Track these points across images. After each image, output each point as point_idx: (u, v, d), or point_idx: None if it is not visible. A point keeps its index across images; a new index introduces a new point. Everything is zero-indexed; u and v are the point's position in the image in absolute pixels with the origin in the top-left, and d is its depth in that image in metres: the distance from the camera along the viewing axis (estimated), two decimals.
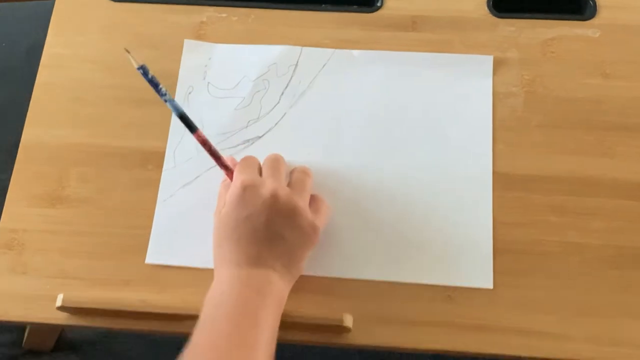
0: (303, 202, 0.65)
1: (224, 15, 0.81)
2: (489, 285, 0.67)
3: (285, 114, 0.76)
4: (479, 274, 0.68)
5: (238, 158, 0.72)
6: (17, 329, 0.93)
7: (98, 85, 0.77)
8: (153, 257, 0.70)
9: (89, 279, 0.69)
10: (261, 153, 0.73)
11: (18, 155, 0.74)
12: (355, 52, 0.78)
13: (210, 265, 0.68)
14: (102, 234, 0.71)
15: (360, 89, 0.77)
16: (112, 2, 0.81)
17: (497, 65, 0.77)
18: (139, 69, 0.63)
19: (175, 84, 0.77)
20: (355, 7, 0.81)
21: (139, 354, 0.92)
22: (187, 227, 0.71)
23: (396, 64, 0.77)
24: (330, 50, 0.78)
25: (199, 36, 0.80)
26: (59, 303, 0.66)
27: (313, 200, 0.68)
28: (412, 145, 0.74)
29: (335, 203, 0.71)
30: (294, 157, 0.73)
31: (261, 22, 0.80)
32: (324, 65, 0.78)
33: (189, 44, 0.79)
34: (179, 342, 0.94)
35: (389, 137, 0.74)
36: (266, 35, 0.80)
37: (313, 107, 0.76)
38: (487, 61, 0.77)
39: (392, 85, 0.77)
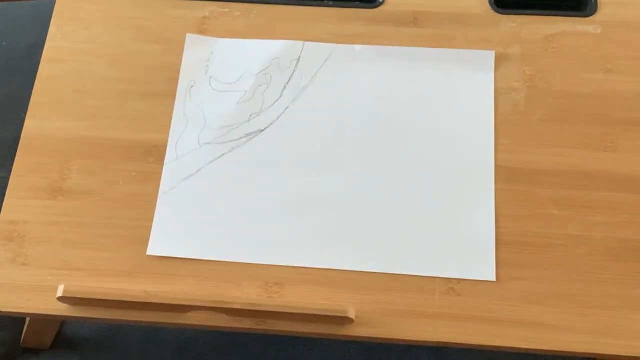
0: None
1: (226, 10, 0.81)
2: (492, 277, 0.67)
3: (287, 107, 0.76)
4: (482, 266, 0.68)
5: (241, 151, 0.73)
6: (15, 327, 0.92)
7: (100, 78, 0.77)
8: (155, 249, 0.69)
9: (90, 270, 0.68)
10: (263, 147, 0.73)
11: (19, 147, 0.74)
12: (357, 47, 0.78)
13: (212, 257, 0.68)
14: (103, 225, 0.70)
15: (362, 84, 0.77)
16: None
17: (499, 60, 0.77)
18: None
19: (178, 78, 0.77)
20: (357, 2, 0.81)
21: (138, 352, 0.91)
22: (188, 219, 0.71)
23: (398, 59, 0.78)
24: (332, 45, 0.79)
25: (202, 31, 0.80)
26: (59, 294, 0.65)
27: None
28: (414, 139, 0.74)
29: (336, 196, 0.71)
30: (295, 151, 0.73)
31: (263, 17, 0.80)
32: (326, 60, 0.78)
33: (191, 39, 0.79)
34: (179, 341, 0.94)
35: (391, 131, 0.74)
36: (268, 30, 0.80)
37: (315, 101, 0.76)
38: (489, 56, 0.77)
39: (394, 80, 0.77)
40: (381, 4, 0.81)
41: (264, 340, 0.92)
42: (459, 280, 0.67)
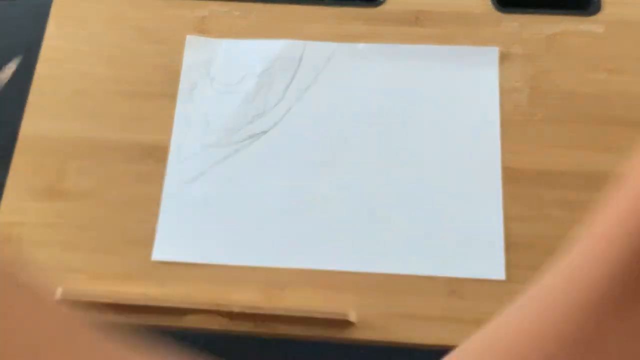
0: None
1: (225, 9, 0.80)
2: (501, 276, 0.66)
3: (290, 108, 0.75)
4: (490, 265, 0.67)
5: (244, 153, 0.72)
6: None
7: (98, 78, 0.76)
8: (160, 253, 0.68)
9: (88, 272, 0.68)
10: (267, 148, 0.73)
11: (16, 148, 0.73)
12: (360, 45, 0.78)
13: (215, 261, 0.67)
14: (101, 227, 0.70)
15: (365, 83, 0.76)
16: None
17: (501, 60, 0.76)
18: None
19: (177, 79, 0.76)
20: (358, 1, 0.80)
21: None
22: (192, 223, 0.70)
23: (401, 57, 0.77)
24: (334, 44, 0.78)
25: (201, 31, 0.79)
26: (57, 296, 0.65)
27: None
28: (419, 139, 0.73)
29: (341, 196, 0.70)
30: (299, 151, 0.73)
31: (263, 17, 0.80)
32: (328, 59, 0.77)
33: (191, 40, 0.78)
34: (181, 336, 0.94)
35: (396, 130, 0.73)
36: (268, 30, 0.79)
37: (319, 101, 0.75)
38: (493, 52, 0.76)
39: (397, 79, 0.76)
40: (382, 3, 0.80)
41: (265, 338, 0.91)
42: (462, 283, 0.66)
